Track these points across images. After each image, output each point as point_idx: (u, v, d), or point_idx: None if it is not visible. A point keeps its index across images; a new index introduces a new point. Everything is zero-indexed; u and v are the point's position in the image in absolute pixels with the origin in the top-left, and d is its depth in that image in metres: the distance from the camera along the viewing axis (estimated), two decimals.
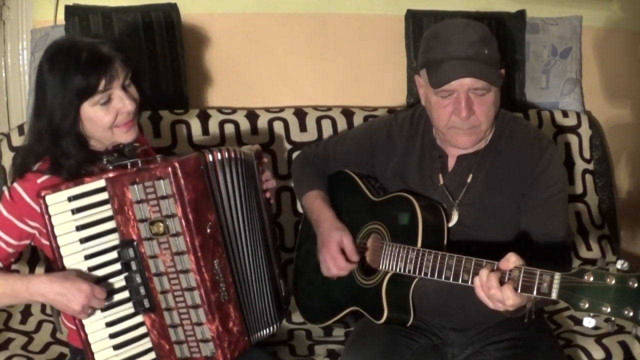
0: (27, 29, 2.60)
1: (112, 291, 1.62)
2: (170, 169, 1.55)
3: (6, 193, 1.66)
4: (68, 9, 2.44)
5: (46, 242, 1.67)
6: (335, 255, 1.88)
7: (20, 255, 1.73)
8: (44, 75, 1.61)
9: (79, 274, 1.58)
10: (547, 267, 1.47)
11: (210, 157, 1.67)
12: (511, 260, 1.50)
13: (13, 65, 2.66)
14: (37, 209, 1.61)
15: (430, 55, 1.73)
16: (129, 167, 1.62)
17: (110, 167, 1.63)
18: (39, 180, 1.64)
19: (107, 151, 1.69)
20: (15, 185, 1.65)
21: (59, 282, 1.54)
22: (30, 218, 1.64)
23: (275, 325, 1.81)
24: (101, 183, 1.61)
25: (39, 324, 2.19)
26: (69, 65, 1.58)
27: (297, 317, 2.22)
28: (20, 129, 2.39)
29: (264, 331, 1.79)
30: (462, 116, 1.70)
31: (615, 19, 2.87)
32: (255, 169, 1.82)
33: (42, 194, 1.57)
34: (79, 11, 2.44)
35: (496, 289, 1.48)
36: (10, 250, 1.66)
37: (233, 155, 1.72)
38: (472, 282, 1.58)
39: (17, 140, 2.35)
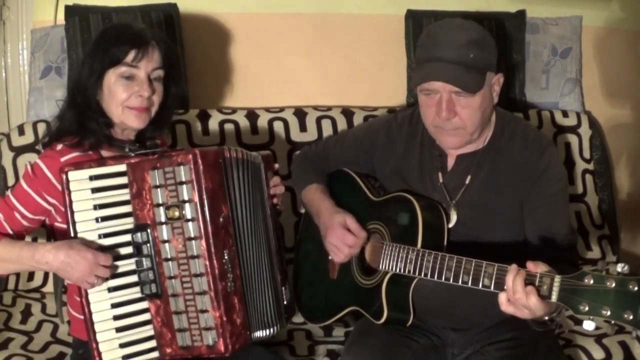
0: (27, 29, 2.60)
1: (121, 273, 1.65)
2: (191, 156, 1.61)
3: (29, 168, 1.71)
4: (68, 9, 2.45)
5: (60, 224, 1.72)
6: (343, 235, 1.88)
7: (32, 231, 1.76)
8: (89, 47, 1.76)
9: (84, 242, 1.61)
10: (557, 267, 1.48)
11: (228, 154, 1.72)
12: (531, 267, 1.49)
13: (13, 65, 2.66)
14: (58, 186, 1.65)
15: (419, 54, 1.78)
16: (150, 154, 1.66)
17: (132, 154, 1.68)
18: (63, 159, 1.69)
19: (130, 141, 1.76)
20: (39, 161, 1.70)
21: (64, 250, 1.57)
22: (49, 194, 1.68)
23: (274, 328, 1.81)
24: (122, 167, 1.66)
25: (39, 323, 2.19)
26: (111, 37, 1.70)
27: (297, 317, 2.21)
28: (20, 129, 2.39)
29: (264, 332, 1.78)
30: (441, 116, 1.72)
31: (615, 19, 2.87)
32: (262, 173, 1.85)
33: (65, 169, 1.62)
34: (79, 11, 2.44)
35: (521, 294, 1.47)
36: (24, 222, 1.70)
37: (241, 157, 1.76)
38: (471, 284, 1.59)
39: (17, 140, 2.35)
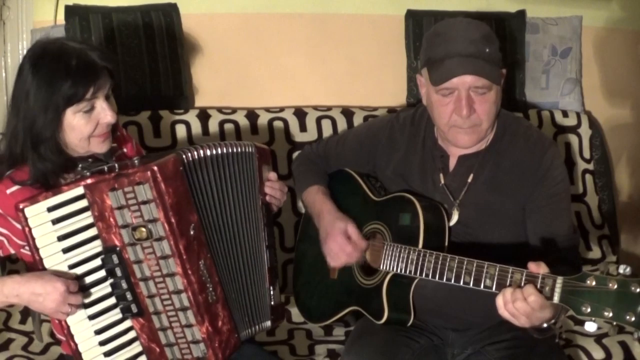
0: (27, 29, 2.60)
1: (98, 298, 1.60)
2: (149, 173, 1.52)
3: None
4: (68, 9, 2.44)
5: (15, 250, 1.65)
6: (343, 243, 1.87)
7: (8, 257, 1.71)
8: (25, 78, 1.56)
9: (54, 272, 1.56)
10: (559, 269, 1.48)
11: (190, 157, 1.64)
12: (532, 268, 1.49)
13: (13, 65, 2.65)
14: (8, 217, 1.59)
15: (432, 53, 1.73)
16: (106, 171, 1.58)
17: (88, 174, 1.59)
18: (9, 191, 1.60)
19: (80, 157, 1.66)
20: None
21: (33, 281, 1.51)
22: None
23: (262, 325, 1.79)
24: (79, 190, 1.57)
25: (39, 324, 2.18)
26: (58, 70, 1.54)
27: (297, 317, 2.22)
28: None
29: (253, 329, 1.77)
30: (462, 114, 1.70)
31: (615, 19, 2.87)
32: (254, 164, 1.78)
33: (21, 207, 1.54)
34: (79, 11, 2.44)
35: (522, 301, 1.46)
36: None
37: (214, 152, 1.69)
38: (473, 285, 1.59)
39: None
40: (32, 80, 1.55)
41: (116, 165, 1.59)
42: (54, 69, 1.54)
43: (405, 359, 1.76)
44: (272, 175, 1.85)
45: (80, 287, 1.57)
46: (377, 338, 1.80)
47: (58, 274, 1.55)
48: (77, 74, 1.54)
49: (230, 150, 1.72)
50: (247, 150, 1.76)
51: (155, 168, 1.53)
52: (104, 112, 1.60)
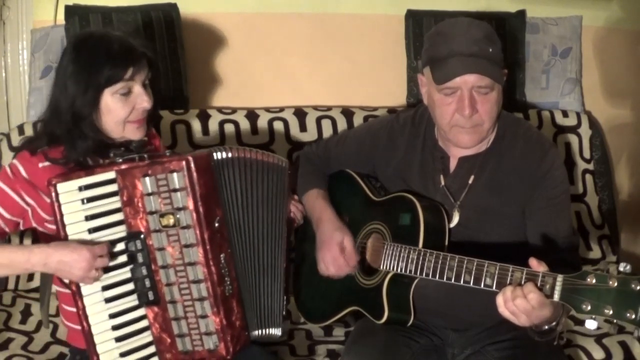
0: (27, 29, 2.60)
1: (117, 283, 1.64)
2: (184, 162, 1.59)
3: (7, 168, 1.68)
4: (68, 9, 2.45)
5: (42, 228, 1.69)
6: (336, 256, 1.88)
7: (5, 236, 1.72)
8: (68, 59, 1.65)
9: (79, 241, 1.59)
10: (559, 269, 1.47)
11: (219, 155, 1.70)
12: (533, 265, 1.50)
13: (13, 65, 2.66)
14: (38, 190, 1.63)
15: (435, 52, 1.73)
16: (137, 160, 1.64)
17: (120, 160, 1.64)
18: (41, 165, 1.65)
19: (114, 145, 1.71)
20: (16, 162, 1.67)
21: (61, 250, 1.56)
22: (27, 194, 1.66)
23: (272, 328, 1.81)
24: (111, 174, 1.62)
25: (39, 324, 2.18)
26: (100, 53, 1.62)
27: (297, 317, 2.22)
28: (20, 129, 2.40)
29: (261, 331, 1.79)
30: (465, 113, 1.69)
31: (615, 19, 2.87)
32: (284, 179, 1.86)
33: (54, 182, 1.59)
34: (79, 11, 2.44)
35: (522, 298, 1.46)
36: (0, 223, 1.67)
37: (243, 156, 1.75)
38: (473, 284, 1.59)
39: (17, 140, 2.35)
40: (75, 61, 1.64)
41: (146, 156, 1.65)
42: (96, 51, 1.63)
43: (405, 359, 1.76)
44: (295, 196, 1.94)
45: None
46: (377, 338, 1.80)
47: (84, 243, 1.59)
48: (117, 56, 1.62)
49: (263, 158, 1.80)
50: (280, 163, 1.85)
51: (190, 158, 1.59)
52: (141, 97, 1.66)
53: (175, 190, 1.59)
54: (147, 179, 1.60)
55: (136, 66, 1.64)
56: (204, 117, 2.49)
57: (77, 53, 1.64)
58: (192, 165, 1.59)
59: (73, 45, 1.68)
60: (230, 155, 1.72)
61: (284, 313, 1.88)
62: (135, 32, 2.39)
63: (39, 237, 1.75)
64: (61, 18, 2.48)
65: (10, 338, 2.08)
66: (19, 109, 2.66)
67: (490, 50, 1.68)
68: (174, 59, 2.51)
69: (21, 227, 1.72)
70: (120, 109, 1.65)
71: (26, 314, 2.22)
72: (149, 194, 1.60)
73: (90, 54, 1.63)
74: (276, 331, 1.84)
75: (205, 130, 2.47)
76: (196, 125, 2.47)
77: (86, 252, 1.56)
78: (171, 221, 1.61)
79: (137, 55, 1.65)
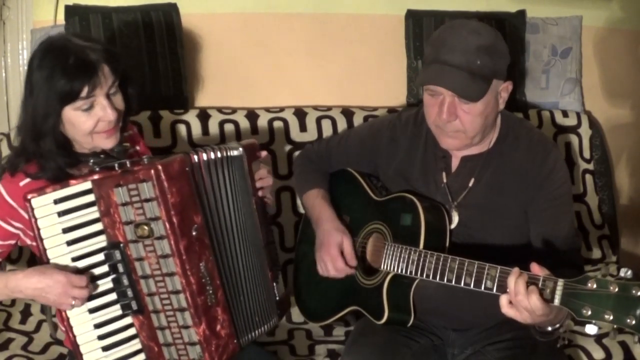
0: (27, 29, 2.60)
1: (100, 293, 1.62)
2: (153, 171, 1.53)
3: None
4: (68, 9, 2.44)
5: (32, 243, 1.67)
6: (335, 257, 1.88)
7: (8, 256, 1.73)
8: (33, 71, 1.60)
9: (57, 266, 1.57)
10: (561, 271, 1.47)
11: (196, 158, 1.65)
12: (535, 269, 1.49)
13: (13, 65, 2.66)
14: (20, 210, 1.61)
15: (427, 52, 1.76)
16: (116, 168, 1.60)
17: (97, 169, 1.60)
18: (22, 183, 1.63)
19: (94, 153, 1.67)
20: None
21: (36, 277, 1.54)
22: (13, 219, 1.64)
23: (266, 326, 1.80)
24: (87, 185, 1.59)
25: (39, 324, 2.19)
26: (56, 67, 1.56)
27: (297, 317, 2.22)
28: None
29: (255, 332, 1.77)
30: (441, 119, 1.71)
31: (615, 19, 2.87)
32: (244, 165, 1.77)
33: (28, 197, 1.56)
34: (79, 11, 2.44)
35: (523, 295, 1.46)
36: None
37: (219, 155, 1.70)
38: (474, 286, 1.58)
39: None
40: (36, 75, 1.59)
41: (127, 162, 1.61)
42: (53, 65, 1.56)
43: (405, 359, 1.76)
44: (263, 171, 1.83)
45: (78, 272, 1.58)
46: (377, 338, 1.80)
47: (61, 268, 1.57)
48: (72, 72, 1.55)
49: (226, 154, 1.72)
50: (237, 154, 1.76)
51: (160, 167, 1.54)
52: (104, 111, 1.60)
53: (146, 200, 1.54)
54: (120, 189, 1.55)
55: (92, 82, 1.56)
56: (204, 117, 2.49)
57: (39, 66, 1.58)
58: (162, 174, 1.53)
59: (36, 57, 1.60)
60: (205, 157, 1.66)
61: (277, 299, 1.84)
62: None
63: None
64: (61, 18, 2.48)
65: (10, 338, 2.09)
66: (19, 109, 2.66)
67: (479, 62, 1.65)
68: (174, 59, 2.51)
69: (19, 244, 1.71)
70: (84, 123, 1.60)
71: (26, 314, 2.22)
72: (123, 204, 1.56)
73: (48, 69, 1.57)
74: (268, 326, 1.82)
75: (205, 130, 2.47)
76: (196, 125, 2.47)
77: (61, 277, 1.53)
78: (146, 232, 1.56)
79: (93, 69, 1.56)
